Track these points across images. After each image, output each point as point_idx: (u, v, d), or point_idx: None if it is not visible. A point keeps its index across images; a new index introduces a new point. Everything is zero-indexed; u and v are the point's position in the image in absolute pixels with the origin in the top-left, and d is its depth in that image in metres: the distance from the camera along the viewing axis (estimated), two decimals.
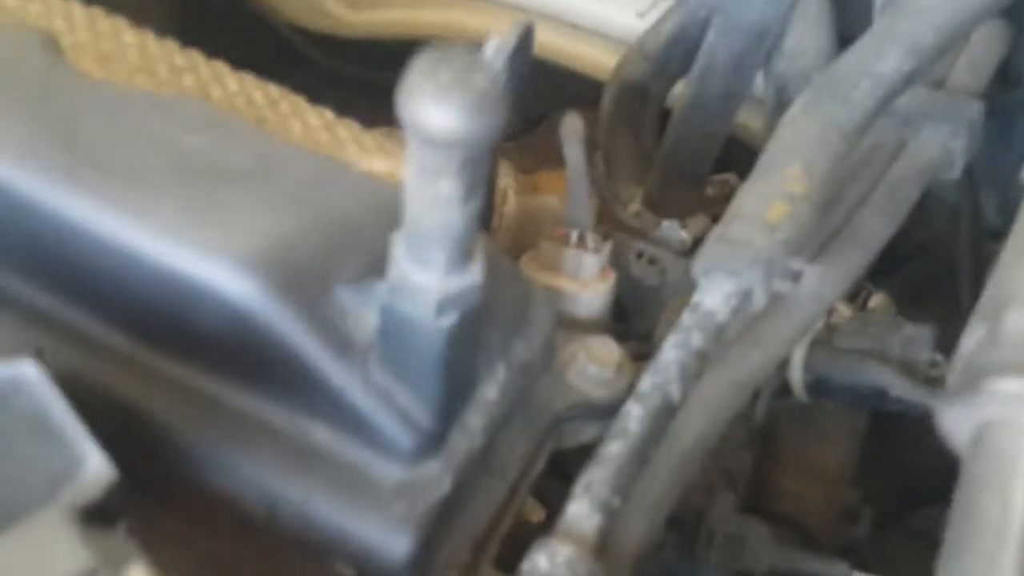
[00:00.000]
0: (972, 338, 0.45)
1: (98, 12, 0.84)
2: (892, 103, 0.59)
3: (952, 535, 0.40)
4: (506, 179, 0.97)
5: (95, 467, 0.40)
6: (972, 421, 0.41)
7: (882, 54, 0.58)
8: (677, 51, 0.88)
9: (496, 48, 0.57)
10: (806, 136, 0.56)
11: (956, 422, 0.42)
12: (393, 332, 0.45)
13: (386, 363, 0.46)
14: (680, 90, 0.87)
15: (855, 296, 0.79)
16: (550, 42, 1.04)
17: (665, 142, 0.86)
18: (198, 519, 0.49)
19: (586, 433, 0.58)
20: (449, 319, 0.43)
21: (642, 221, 0.89)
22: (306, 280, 0.47)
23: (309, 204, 0.49)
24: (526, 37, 0.57)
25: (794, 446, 0.68)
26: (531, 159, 1.13)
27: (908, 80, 0.58)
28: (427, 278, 0.42)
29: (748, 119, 0.88)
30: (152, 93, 0.55)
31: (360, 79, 1.25)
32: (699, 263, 0.53)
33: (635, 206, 0.92)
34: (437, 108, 0.35)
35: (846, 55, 0.59)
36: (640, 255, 0.67)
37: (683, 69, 0.87)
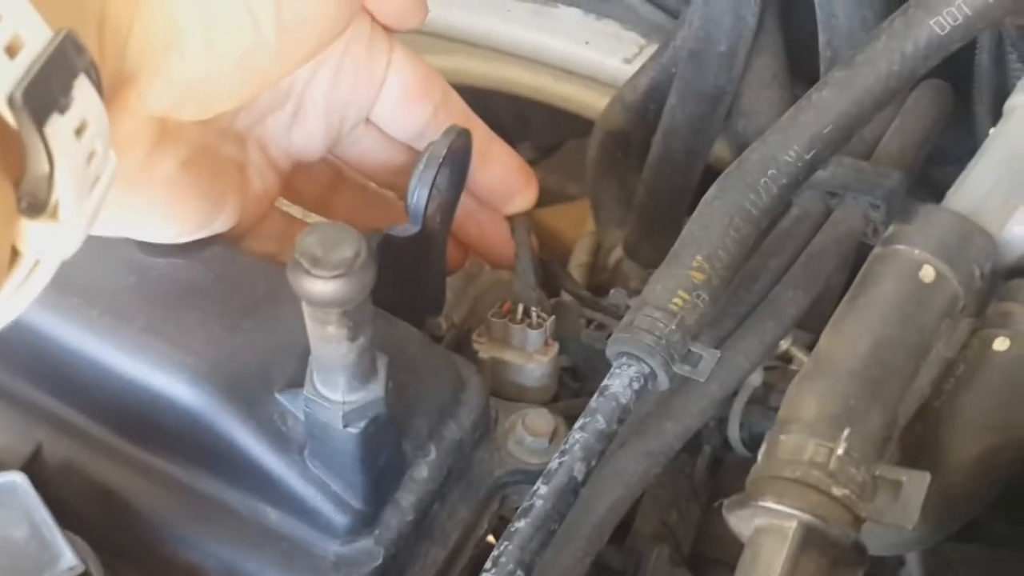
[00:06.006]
0: (762, 448, 0.51)
1: None
2: (799, 187, 0.64)
3: None
4: None
5: (67, 562, 0.49)
6: (749, 524, 0.48)
7: (785, 145, 0.62)
8: (652, 104, 0.93)
9: (430, 154, 0.64)
10: (715, 223, 0.61)
11: (739, 523, 0.49)
12: (317, 433, 0.52)
13: (317, 457, 0.54)
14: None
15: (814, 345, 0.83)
16: (549, 87, 1.10)
17: (638, 196, 0.92)
18: None
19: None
20: (356, 427, 0.50)
21: (621, 270, 0.95)
22: (249, 387, 0.55)
23: (256, 316, 0.57)
24: (461, 139, 0.64)
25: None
26: (553, 178, 1.25)
27: (810, 167, 0.63)
28: (333, 395, 0.49)
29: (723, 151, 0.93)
30: None
31: None
32: (609, 348, 0.59)
33: (617, 253, 0.99)
34: (309, 280, 0.42)
35: (755, 145, 0.64)
36: (589, 322, 0.73)
37: (660, 119, 0.92)
